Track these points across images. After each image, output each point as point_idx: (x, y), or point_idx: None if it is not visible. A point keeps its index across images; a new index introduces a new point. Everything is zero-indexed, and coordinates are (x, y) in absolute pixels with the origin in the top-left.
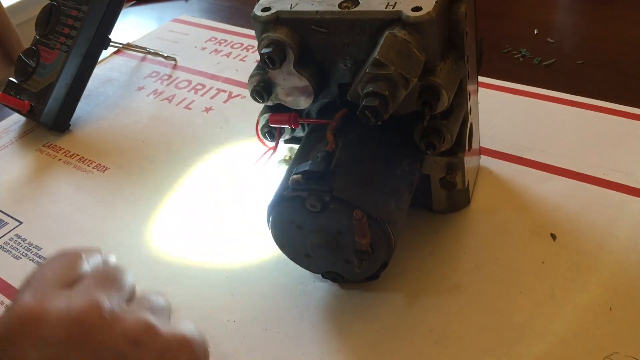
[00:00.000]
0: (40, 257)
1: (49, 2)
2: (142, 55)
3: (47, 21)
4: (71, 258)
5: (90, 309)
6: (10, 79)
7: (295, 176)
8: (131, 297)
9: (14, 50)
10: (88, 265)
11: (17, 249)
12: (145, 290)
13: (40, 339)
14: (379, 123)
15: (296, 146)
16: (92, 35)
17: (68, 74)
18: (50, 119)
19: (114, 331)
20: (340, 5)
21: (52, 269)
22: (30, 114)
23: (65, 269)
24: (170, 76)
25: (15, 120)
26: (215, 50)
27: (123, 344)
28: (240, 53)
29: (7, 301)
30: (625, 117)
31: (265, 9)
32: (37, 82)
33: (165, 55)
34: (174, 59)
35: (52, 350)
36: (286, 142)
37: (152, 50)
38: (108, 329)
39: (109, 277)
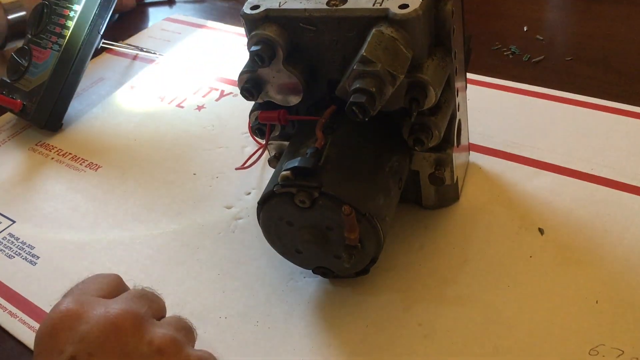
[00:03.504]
0: (33, 255)
1: (41, 1)
2: (134, 53)
3: (39, 20)
4: (112, 277)
5: (125, 315)
6: (3, 78)
7: (284, 172)
8: (163, 315)
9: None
10: (126, 285)
11: (10, 247)
12: (177, 315)
13: (77, 335)
14: (367, 119)
15: (286, 143)
16: (83, 34)
17: (60, 73)
18: (43, 118)
19: (142, 338)
20: (328, 3)
21: (94, 282)
22: (23, 113)
23: (106, 284)
24: (162, 74)
25: (8, 119)
26: (207, 49)
27: (148, 350)
28: (231, 51)
29: (1, 300)
30: (613, 113)
31: (254, 7)
32: (30, 81)
33: (157, 53)
34: (166, 58)
35: (85, 347)
36: (276, 139)
37: (144, 49)
38: (138, 334)
39: (145, 296)
